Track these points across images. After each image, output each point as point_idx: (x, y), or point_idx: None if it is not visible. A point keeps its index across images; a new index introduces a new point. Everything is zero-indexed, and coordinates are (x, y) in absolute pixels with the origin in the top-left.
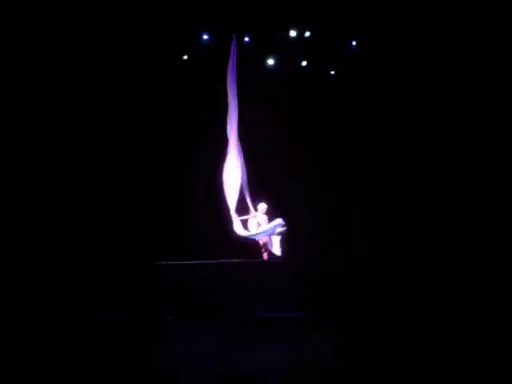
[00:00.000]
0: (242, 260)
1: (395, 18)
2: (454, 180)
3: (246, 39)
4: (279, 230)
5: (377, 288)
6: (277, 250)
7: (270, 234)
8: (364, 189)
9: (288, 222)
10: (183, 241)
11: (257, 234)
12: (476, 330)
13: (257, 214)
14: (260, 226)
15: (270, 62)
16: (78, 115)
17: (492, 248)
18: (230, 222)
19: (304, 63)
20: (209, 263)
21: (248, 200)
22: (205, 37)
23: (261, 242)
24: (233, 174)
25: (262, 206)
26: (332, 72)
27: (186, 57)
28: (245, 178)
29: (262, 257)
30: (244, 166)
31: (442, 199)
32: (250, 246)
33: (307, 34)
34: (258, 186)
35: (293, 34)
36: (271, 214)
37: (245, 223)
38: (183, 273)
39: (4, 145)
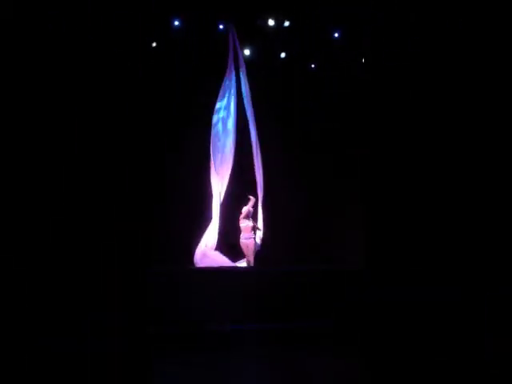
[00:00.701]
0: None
1: (395, 18)
2: (453, 180)
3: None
4: None
5: (377, 288)
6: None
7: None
8: (364, 189)
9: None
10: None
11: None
12: (476, 329)
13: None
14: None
15: (246, 53)
16: (78, 116)
17: (492, 248)
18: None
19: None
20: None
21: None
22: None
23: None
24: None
25: (243, 209)
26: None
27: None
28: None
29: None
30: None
31: (442, 199)
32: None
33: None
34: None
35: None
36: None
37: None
38: (162, 280)
39: (3, 144)
